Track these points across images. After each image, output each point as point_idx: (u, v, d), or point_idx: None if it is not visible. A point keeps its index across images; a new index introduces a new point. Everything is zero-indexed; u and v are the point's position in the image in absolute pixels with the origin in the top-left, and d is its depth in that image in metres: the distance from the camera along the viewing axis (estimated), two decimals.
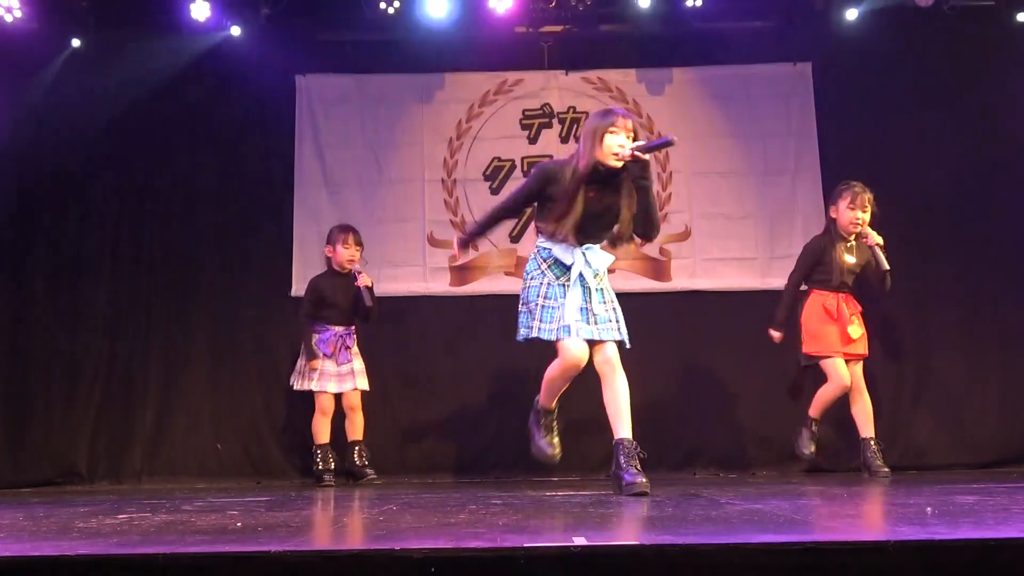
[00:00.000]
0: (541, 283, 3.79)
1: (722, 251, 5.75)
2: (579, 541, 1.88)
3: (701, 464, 5.55)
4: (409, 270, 5.77)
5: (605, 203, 3.72)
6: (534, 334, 3.74)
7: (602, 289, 3.80)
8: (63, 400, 5.54)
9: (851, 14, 5.64)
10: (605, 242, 3.86)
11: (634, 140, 3.71)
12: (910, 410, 5.56)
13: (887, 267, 4.87)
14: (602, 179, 3.69)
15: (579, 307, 3.72)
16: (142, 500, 3.90)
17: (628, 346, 3.87)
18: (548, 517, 2.74)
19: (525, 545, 1.83)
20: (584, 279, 3.73)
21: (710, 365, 5.66)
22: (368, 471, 5.17)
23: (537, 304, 3.76)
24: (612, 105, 5.83)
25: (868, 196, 4.90)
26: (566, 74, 5.93)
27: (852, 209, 4.88)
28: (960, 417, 5.50)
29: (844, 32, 5.72)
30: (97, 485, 5.45)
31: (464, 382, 5.68)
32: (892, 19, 5.64)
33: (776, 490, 3.83)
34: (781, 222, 5.71)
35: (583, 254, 3.74)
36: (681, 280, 5.75)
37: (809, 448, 4.96)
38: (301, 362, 5.25)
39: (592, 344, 3.75)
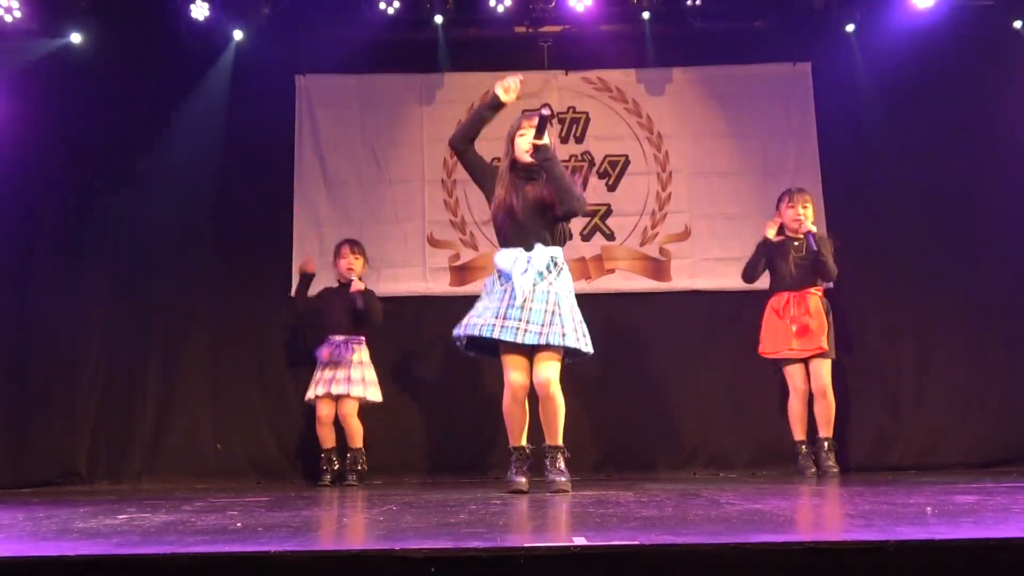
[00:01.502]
0: (486, 294, 4.01)
1: (722, 251, 5.76)
2: (579, 541, 1.88)
3: (701, 464, 5.55)
4: (409, 270, 5.78)
5: (534, 196, 3.97)
6: (461, 332, 3.93)
7: (548, 292, 3.87)
8: (63, 400, 5.54)
9: (850, 24, 5.66)
10: (549, 240, 4.00)
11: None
12: (910, 410, 5.56)
13: (815, 248, 5.02)
14: (527, 176, 4.00)
15: (507, 305, 3.84)
16: (142, 500, 3.90)
17: (591, 352, 3.94)
18: (548, 517, 2.74)
19: (525, 545, 1.83)
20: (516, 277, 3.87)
21: (710, 365, 5.66)
22: (350, 476, 5.18)
23: (476, 309, 3.97)
24: (608, 104, 5.86)
25: (805, 195, 5.17)
26: (566, 74, 5.93)
27: (792, 207, 5.14)
28: (960, 417, 5.50)
29: (844, 32, 5.73)
30: (97, 485, 5.45)
31: (464, 382, 5.67)
32: (891, 19, 5.65)
33: (776, 490, 3.83)
34: None
35: (526, 260, 3.90)
36: (681, 280, 5.75)
37: (808, 470, 5.04)
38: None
39: (532, 361, 3.89)
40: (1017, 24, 5.63)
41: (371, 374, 5.27)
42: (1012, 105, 5.68)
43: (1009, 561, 1.72)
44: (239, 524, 2.57)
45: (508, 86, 3.98)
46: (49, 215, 5.70)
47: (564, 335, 3.81)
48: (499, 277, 3.97)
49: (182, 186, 5.80)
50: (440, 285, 5.76)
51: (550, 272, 3.90)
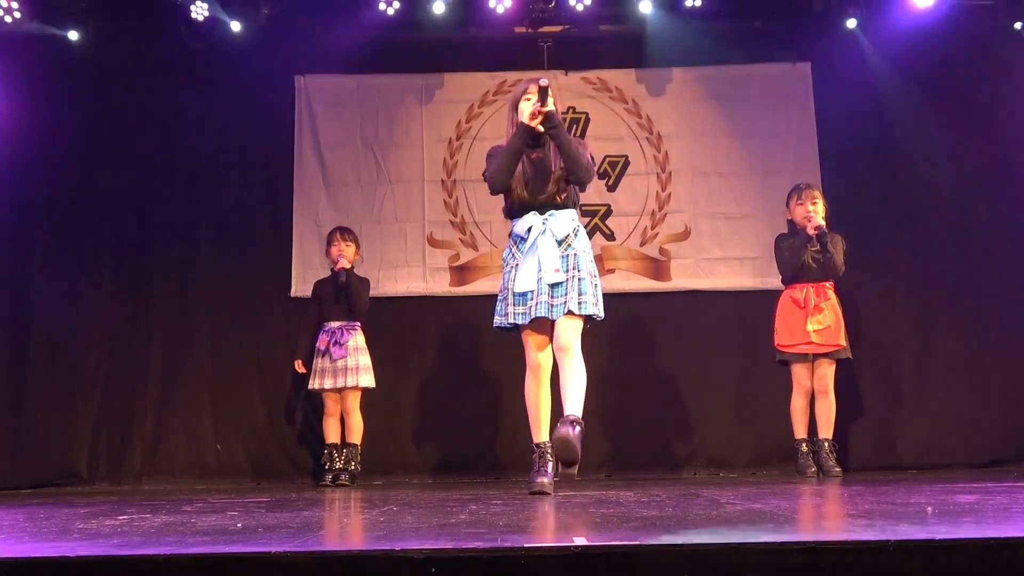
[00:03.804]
0: (511, 267, 3.88)
1: (722, 251, 5.76)
2: (579, 541, 1.88)
3: (701, 464, 5.56)
4: (409, 270, 5.78)
5: (544, 162, 3.85)
6: (510, 320, 3.82)
7: (567, 256, 3.81)
8: (63, 401, 5.54)
9: (850, 23, 5.65)
10: (570, 208, 3.91)
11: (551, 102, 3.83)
12: (910, 409, 5.57)
13: (823, 244, 4.99)
14: (535, 142, 3.85)
15: (535, 276, 3.75)
16: (142, 501, 3.90)
17: (601, 316, 3.84)
18: (548, 517, 2.73)
19: (525, 545, 1.83)
20: (541, 246, 3.77)
21: (710, 365, 5.66)
22: (342, 475, 5.17)
23: (509, 290, 3.84)
24: (608, 104, 5.85)
25: (814, 192, 5.14)
26: (566, 74, 5.93)
27: (801, 204, 5.12)
28: (960, 416, 5.50)
29: (844, 32, 5.72)
30: (97, 486, 5.45)
31: (464, 382, 5.68)
32: (891, 19, 5.65)
33: (776, 490, 3.82)
34: (781, 222, 5.70)
35: (544, 222, 3.82)
36: (681, 280, 5.75)
37: (809, 469, 5.02)
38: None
39: (552, 326, 3.79)
40: (1017, 25, 5.62)
41: (365, 359, 5.28)
42: (1012, 104, 5.68)
43: (1010, 560, 1.72)
44: (239, 525, 2.57)
45: (532, 112, 3.76)
46: (49, 215, 5.70)
47: (582, 303, 3.73)
48: (516, 246, 3.88)
49: (182, 186, 5.81)
50: (440, 285, 5.77)
51: (569, 236, 3.84)
